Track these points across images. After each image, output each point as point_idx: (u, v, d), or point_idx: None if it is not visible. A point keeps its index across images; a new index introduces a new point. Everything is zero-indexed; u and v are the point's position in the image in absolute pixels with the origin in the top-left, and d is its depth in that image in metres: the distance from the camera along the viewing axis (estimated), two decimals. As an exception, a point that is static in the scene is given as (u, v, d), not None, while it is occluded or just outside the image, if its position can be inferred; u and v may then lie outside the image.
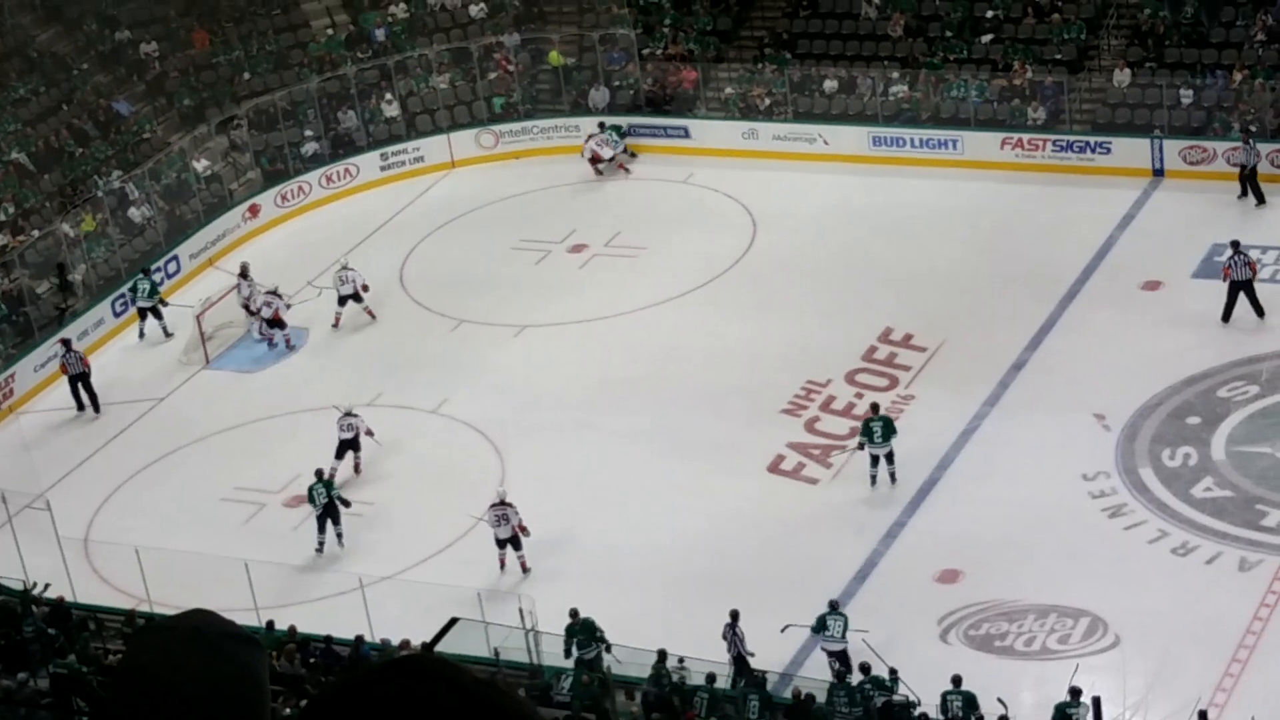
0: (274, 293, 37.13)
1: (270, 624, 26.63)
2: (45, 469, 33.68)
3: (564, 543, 29.83)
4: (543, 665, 25.44)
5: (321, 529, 30.69)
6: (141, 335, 38.19)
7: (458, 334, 36.57)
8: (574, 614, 26.01)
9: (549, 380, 34.47)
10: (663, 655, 25.11)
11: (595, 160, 42.26)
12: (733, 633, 25.96)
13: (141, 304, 38.24)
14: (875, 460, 30.27)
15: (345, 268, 37.16)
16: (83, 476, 33.56)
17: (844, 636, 26.27)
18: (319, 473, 30.94)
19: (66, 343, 35.77)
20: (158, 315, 38.15)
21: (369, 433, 32.65)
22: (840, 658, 26.03)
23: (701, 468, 31.17)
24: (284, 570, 28.51)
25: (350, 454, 32.64)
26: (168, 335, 37.83)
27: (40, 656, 25.42)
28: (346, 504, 30.90)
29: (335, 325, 37.27)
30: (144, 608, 28.06)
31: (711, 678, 24.70)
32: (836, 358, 33.82)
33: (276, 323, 36.99)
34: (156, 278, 38.81)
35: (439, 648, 24.83)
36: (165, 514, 31.94)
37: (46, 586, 27.99)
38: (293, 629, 26.41)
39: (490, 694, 3.59)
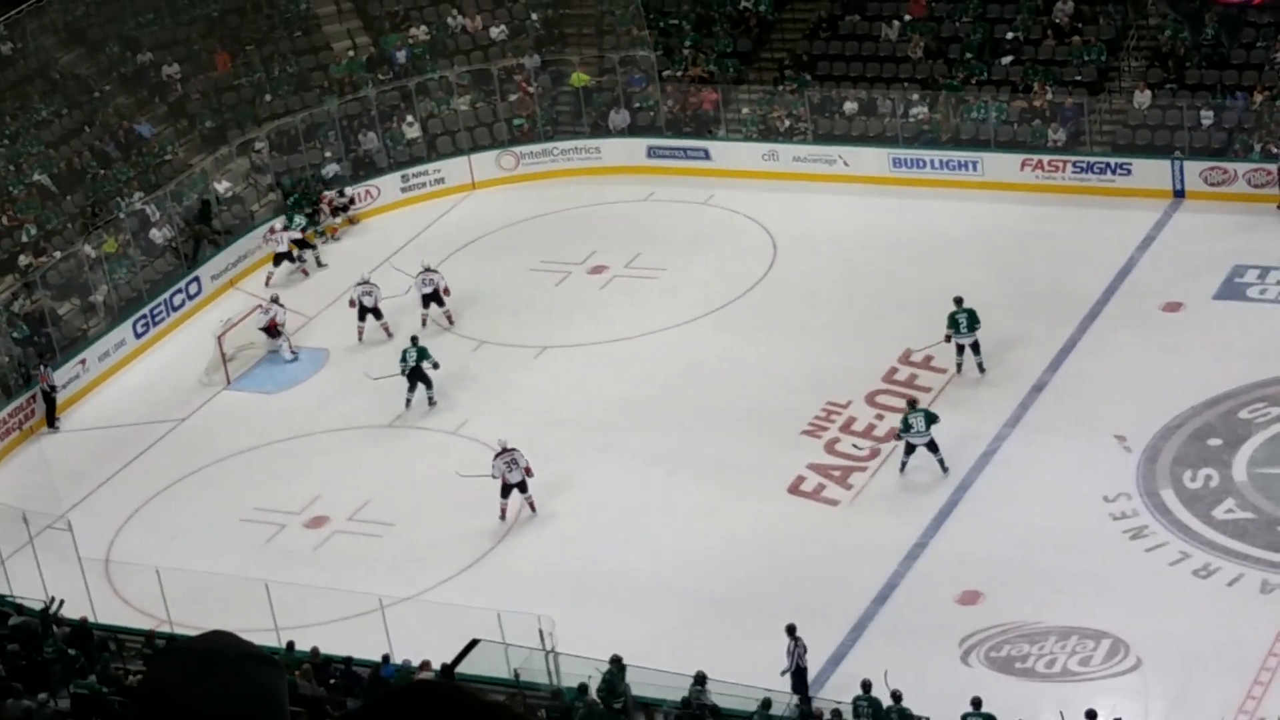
0: (275, 300, 37.64)
1: (291, 644, 26.65)
2: (66, 489, 33.76)
3: (583, 563, 29.82)
4: (563, 687, 25.39)
5: (411, 388, 34.81)
6: (301, 261, 40.95)
7: (479, 355, 36.61)
8: (616, 660, 25.50)
9: (569, 401, 34.49)
10: (700, 679, 24.92)
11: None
12: (794, 646, 25.79)
13: (293, 237, 40.87)
14: (961, 349, 33.27)
15: (428, 269, 38.12)
16: (104, 497, 33.64)
17: (929, 429, 30.44)
18: (414, 339, 35.35)
19: (42, 355, 36.57)
20: (311, 246, 40.88)
21: (447, 291, 37.24)
22: (930, 447, 30.50)
23: (721, 489, 31.16)
24: (304, 591, 28.51)
25: (435, 306, 37.37)
26: (321, 265, 40.32)
27: (61, 677, 25.43)
28: (436, 366, 34.77)
29: (423, 325, 37.76)
30: (164, 628, 28.10)
31: (767, 703, 24.51)
32: (857, 379, 33.79)
33: (272, 330, 37.22)
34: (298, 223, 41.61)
35: (459, 669, 24.82)
36: (186, 535, 32.01)
37: (60, 603, 27.96)
38: (315, 650, 26.40)
39: (503, 716, 3.62)
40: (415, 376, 34.82)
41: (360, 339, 37.71)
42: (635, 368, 35.32)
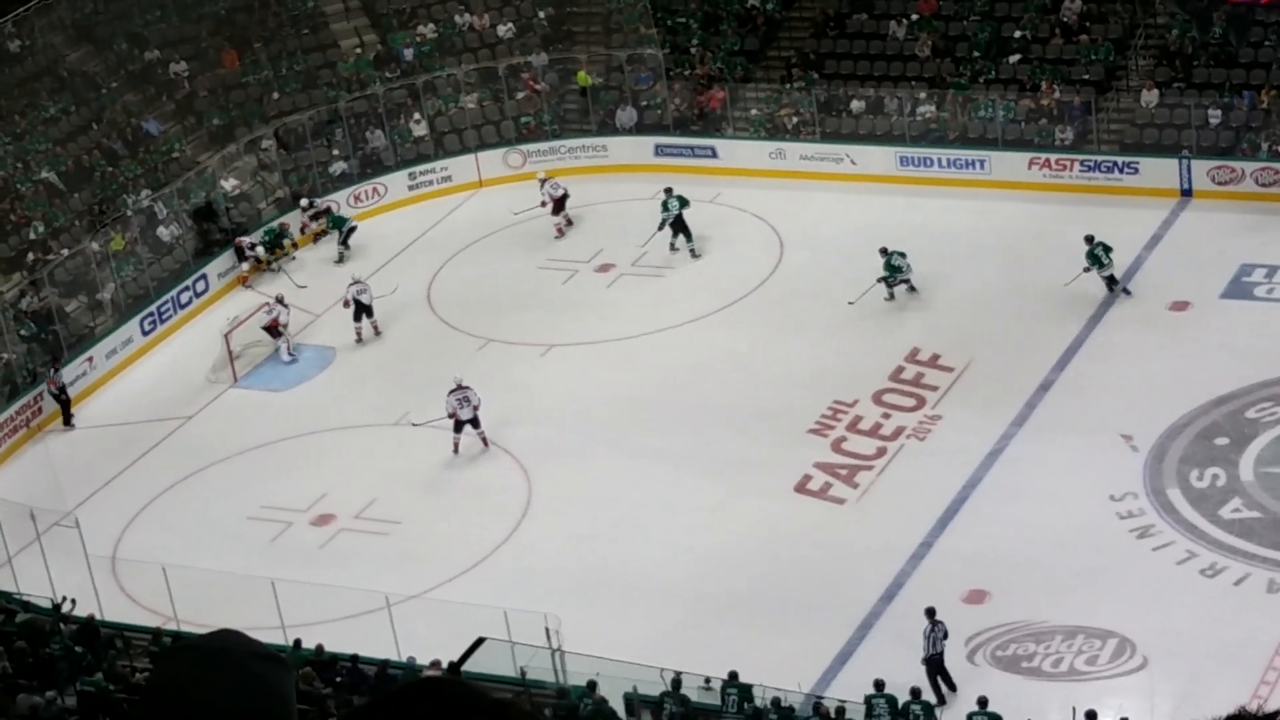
0: (279, 300, 37.64)
1: (298, 642, 26.66)
2: (73, 487, 33.78)
3: (589, 561, 29.82)
4: (569, 685, 25.41)
5: (675, 234, 38.62)
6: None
7: (485, 353, 36.59)
8: (733, 675, 25.15)
9: (576, 399, 34.49)
10: (734, 676, 24.83)
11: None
12: (932, 630, 25.67)
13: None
14: (1112, 282, 35.20)
15: (547, 178, 41.56)
16: (111, 494, 33.66)
17: (909, 267, 35.87)
18: (669, 189, 38.86)
19: (56, 358, 36.47)
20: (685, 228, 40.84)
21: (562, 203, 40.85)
22: (909, 284, 35.97)
23: (728, 487, 31.16)
24: (310, 589, 28.52)
25: (563, 214, 40.83)
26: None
27: (68, 674, 25.46)
28: (685, 204, 38.53)
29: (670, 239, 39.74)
30: (170, 626, 28.11)
31: (776, 701, 24.45)
32: (864, 378, 33.78)
33: (273, 330, 37.24)
34: None
35: (465, 667, 24.84)
36: (192, 532, 32.03)
37: (74, 603, 28.05)
38: (320, 648, 26.43)
39: (510, 714, 3.62)
40: (677, 226, 38.62)
41: (359, 339, 37.70)
42: (642, 366, 35.32)
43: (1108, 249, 35.13)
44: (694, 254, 38.99)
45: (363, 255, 40.97)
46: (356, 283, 37.87)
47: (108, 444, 35.29)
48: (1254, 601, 26.96)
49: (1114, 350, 33.75)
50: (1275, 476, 29.73)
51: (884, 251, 36.22)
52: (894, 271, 36.02)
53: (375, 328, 37.84)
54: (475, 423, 33.01)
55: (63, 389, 36.08)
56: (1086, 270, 34.96)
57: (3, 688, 24.61)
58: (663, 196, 39.07)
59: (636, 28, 46.01)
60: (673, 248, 39.03)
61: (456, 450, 33.16)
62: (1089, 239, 35.14)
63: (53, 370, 36.22)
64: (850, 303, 35.93)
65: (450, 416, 32.97)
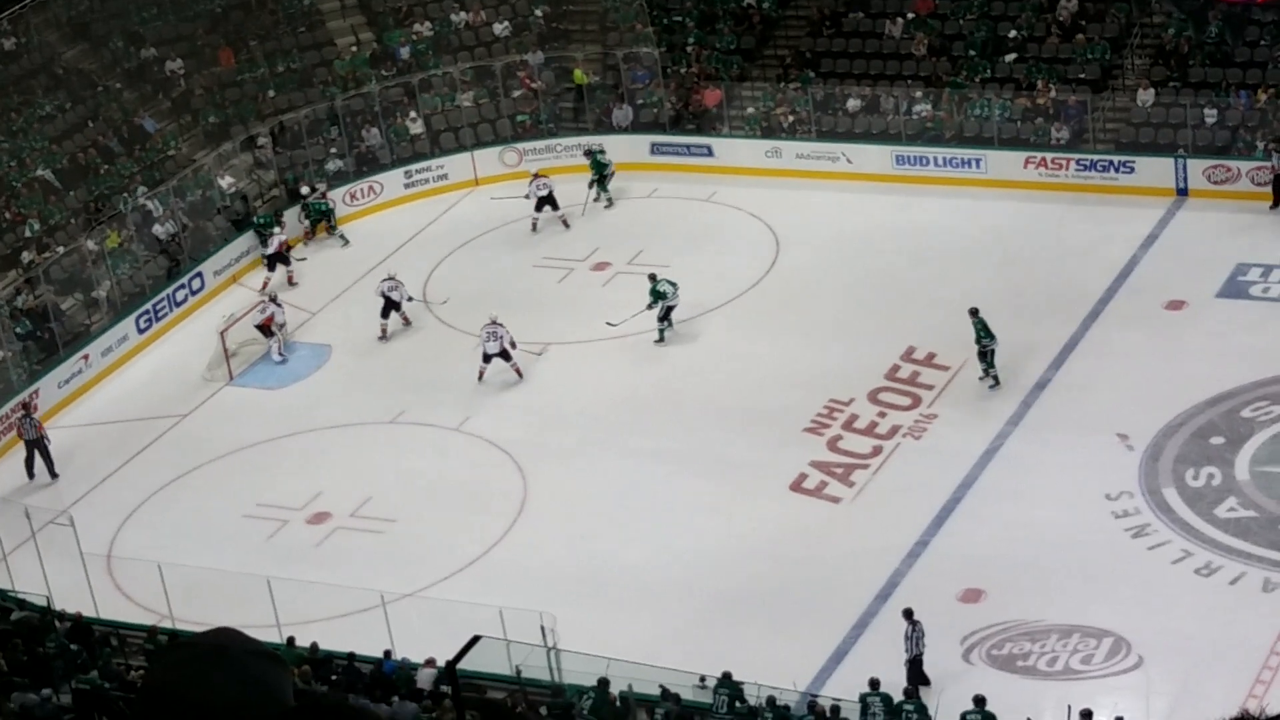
0: (273, 298, 37.57)
1: (291, 640, 26.64)
2: (69, 485, 33.77)
3: (585, 560, 29.82)
4: (564, 684, 25.40)
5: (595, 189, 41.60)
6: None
7: (480, 351, 36.54)
8: (726, 676, 25.20)
9: (572, 398, 34.49)
10: (726, 676, 24.84)
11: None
12: (912, 631, 25.64)
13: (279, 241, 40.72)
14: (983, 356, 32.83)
15: (538, 175, 41.90)
16: (106, 492, 33.64)
17: (677, 295, 35.35)
18: (593, 150, 42.12)
19: (26, 406, 34.90)
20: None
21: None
22: (662, 316, 35.53)
23: (724, 486, 31.16)
24: (306, 587, 28.53)
25: (549, 210, 41.03)
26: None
27: (63, 672, 25.46)
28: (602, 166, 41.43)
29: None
30: (166, 624, 28.11)
31: (771, 700, 24.45)
32: (859, 376, 33.79)
33: (266, 329, 37.17)
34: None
35: (461, 666, 24.82)
36: (188, 530, 32.02)
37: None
38: (314, 646, 26.42)
39: None
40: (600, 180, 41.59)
41: (384, 335, 37.61)
42: (637, 365, 35.32)
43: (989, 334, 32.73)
44: (610, 203, 41.78)
45: (360, 253, 40.94)
46: (389, 279, 37.82)
47: (103, 442, 35.25)
48: (1249, 600, 26.98)
49: (1110, 349, 33.76)
50: (1271, 475, 29.75)
51: (652, 278, 35.92)
52: (658, 298, 35.50)
53: (405, 318, 37.78)
54: (506, 356, 34.77)
55: (40, 439, 34.00)
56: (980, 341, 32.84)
57: (-2, 686, 24.61)
58: (593, 159, 41.98)
59: (633, 26, 46.00)
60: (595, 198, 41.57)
61: (481, 378, 35.03)
62: (973, 311, 32.88)
63: (26, 416, 34.40)
64: (610, 324, 36.15)
65: (480, 346, 34.94)
